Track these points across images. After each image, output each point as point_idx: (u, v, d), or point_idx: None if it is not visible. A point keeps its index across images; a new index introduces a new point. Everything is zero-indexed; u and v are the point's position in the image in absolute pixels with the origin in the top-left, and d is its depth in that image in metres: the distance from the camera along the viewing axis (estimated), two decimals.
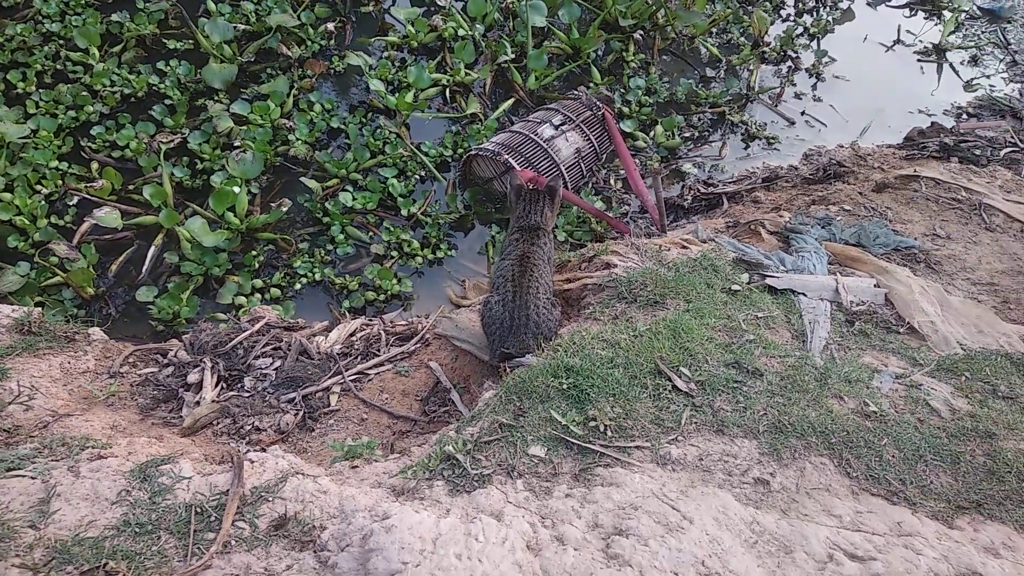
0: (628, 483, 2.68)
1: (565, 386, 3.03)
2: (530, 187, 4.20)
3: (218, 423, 3.58)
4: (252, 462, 2.95)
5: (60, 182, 5.53)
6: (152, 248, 5.35)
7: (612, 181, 6.38)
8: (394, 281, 5.39)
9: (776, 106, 7.14)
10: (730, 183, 6.38)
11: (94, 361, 4.00)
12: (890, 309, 3.94)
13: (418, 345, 4.10)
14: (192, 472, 2.84)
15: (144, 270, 5.27)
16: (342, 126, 6.19)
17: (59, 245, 5.02)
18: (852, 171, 6.29)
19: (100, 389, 3.78)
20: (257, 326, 4.02)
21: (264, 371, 3.80)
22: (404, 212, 5.80)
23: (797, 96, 7.31)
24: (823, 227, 4.94)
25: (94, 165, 5.67)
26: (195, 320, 5.10)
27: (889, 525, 2.57)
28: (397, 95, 6.29)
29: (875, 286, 4.08)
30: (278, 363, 3.85)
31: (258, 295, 5.26)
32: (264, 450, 3.47)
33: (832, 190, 5.47)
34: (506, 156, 5.78)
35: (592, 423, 2.92)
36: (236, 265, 5.38)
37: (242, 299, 5.19)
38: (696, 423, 2.97)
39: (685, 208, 6.20)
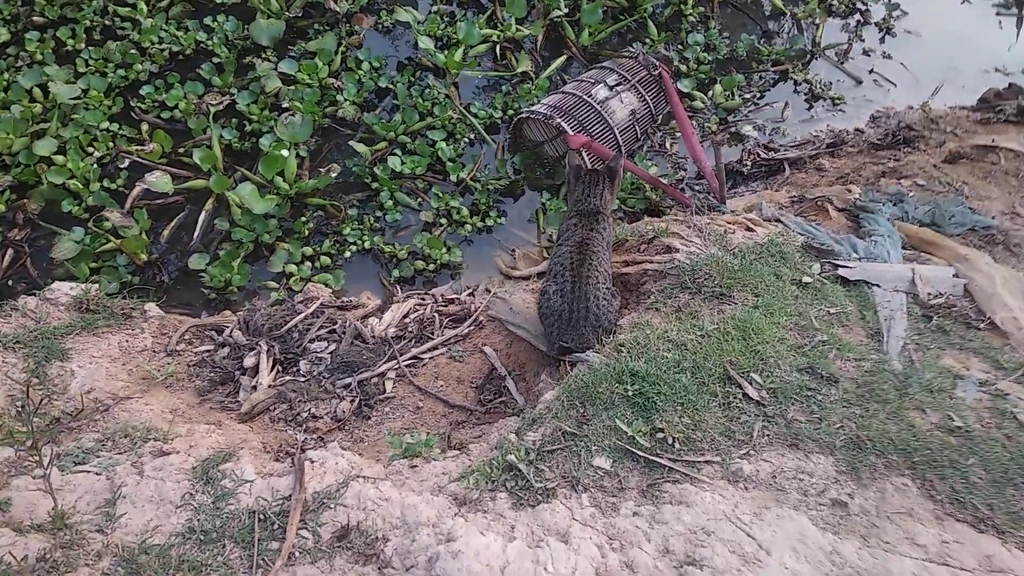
0: (698, 502, 2.56)
1: (630, 393, 2.90)
2: (589, 168, 3.97)
3: (275, 408, 3.53)
4: (312, 462, 2.89)
5: (111, 144, 5.43)
6: (203, 214, 5.26)
7: (668, 144, 6.11)
8: (444, 250, 5.26)
9: (842, 63, 6.74)
10: (792, 148, 6.06)
11: (151, 338, 3.96)
12: (970, 302, 3.71)
13: (471, 328, 3.98)
14: (254, 474, 2.78)
15: (195, 236, 5.19)
16: (390, 85, 5.97)
17: (113, 212, 4.95)
18: (922, 135, 5.94)
19: (159, 369, 3.74)
20: (311, 307, 3.93)
21: (319, 355, 3.72)
22: (453, 177, 5.61)
23: (865, 53, 6.88)
24: (895, 204, 4.67)
25: (144, 126, 5.56)
26: (247, 288, 5.05)
27: (978, 558, 2.42)
28: (446, 53, 6.03)
29: (953, 276, 3.84)
30: (333, 347, 3.77)
31: (308, 263, 5.16)
32: (324, 444, 3.41)
33: (904, 162, 5.16)
34: (558, 120, 5.54)
35: (659, 434, 2.79)
36: (286, 232, 5.28)
37: (292, 267, 5.10)
38: (768, 436, 2.83)
39: (744, 175, 5.92)
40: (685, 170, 5.95)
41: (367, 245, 5.27)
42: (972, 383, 3.13)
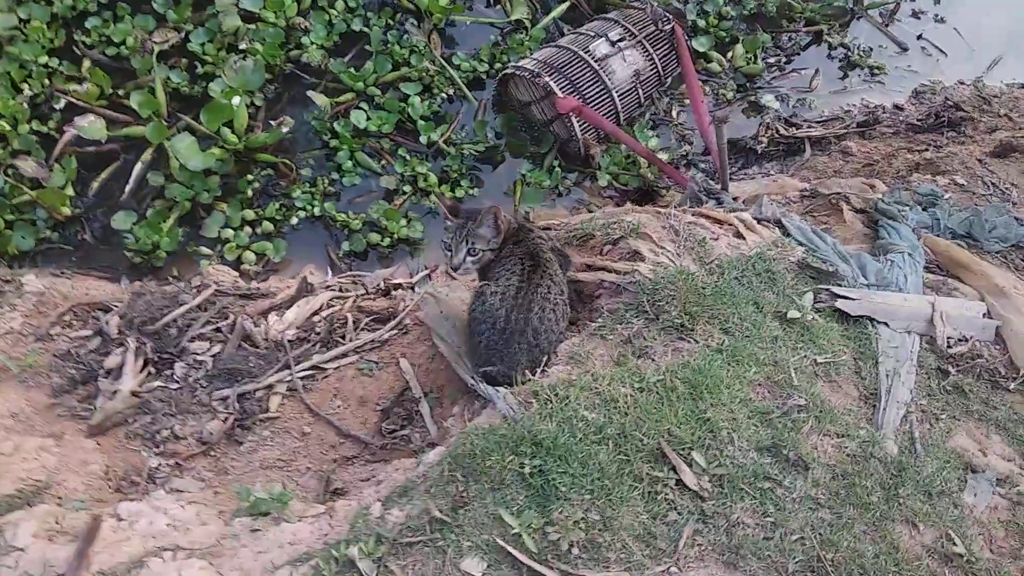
0: None
1: (528, 470, 2.12)
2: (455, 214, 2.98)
3: (134, 421, 2.84)
4: (120, 520, 2.21)
5: (47, 82, 4.70)
6: (138, 165, 4.54)
7: (675, 112, 5.17)
8: (403, 223, 4.48)
9: (887, 26, 5.63)
10: (817, 124, 5.08)
11: (22, 318, 3.28)
12: (1001, 351, 2.83)
13: (393, 332, 3.22)
14: (30, 538, 2.11)
15: (127, 190, 4.49)
16: (364, 29, 5.09)
17: (27, 161, 4.26)
18: (971, 117, 4.91)
19: (17, 358, 3.08)
20: (200, 297, 3.19)
21: (199, 357, 3.01)
22: (424, 138, 4.79)
23: (915, 15, 5.74)
24: (925, 207, 3.73)
25: (86, 63, 4.81)
26: (178, 254, 4.36)
27: None
28: None
29: (984, 315, 2.95)
30: (217, 348, 3.05)
31: (248, 228, 4.44)
32: (180, 472, 2.73)
33: (944, 153, 4.17)
34: (547, 79, 4.64)
35: (555, 533, 2.03)
36: (228, 191, 4.54)
37: (229, 232, 4.38)
38: (701, 546, 2.04)
39: (758, 153, 4.97)
40: (691, 144, 5.03)
41: (317, 212, 4.52)
42: (987, 481, 2.29)
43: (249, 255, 4.32)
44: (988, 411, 2.59)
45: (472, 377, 2.73)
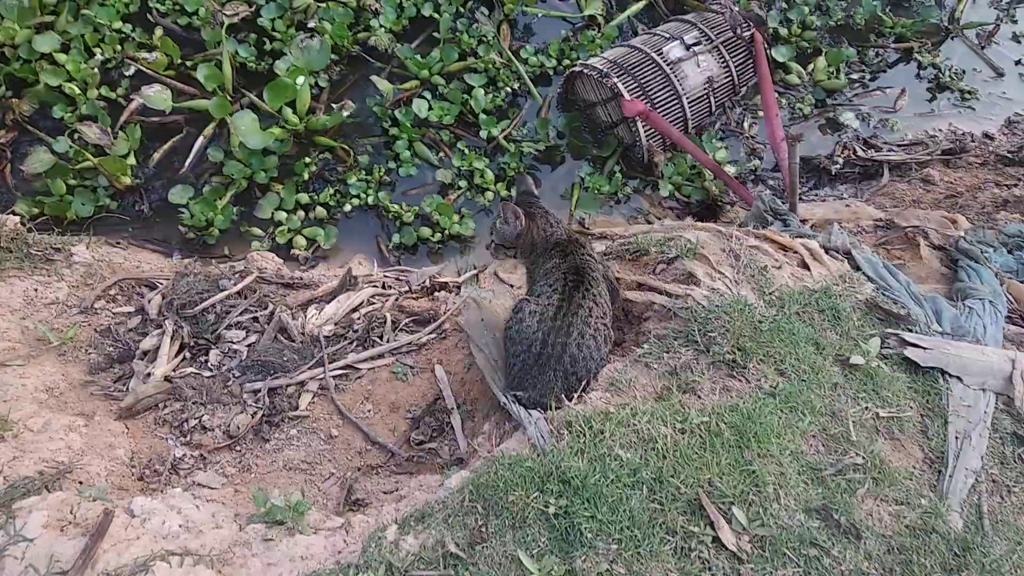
0: None
1: (552, 510, 1.96)
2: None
3: (165, 406, 2.77)
4: (133, 516, 2.13)
5: (119, 47, 4.68)
6: (200, 139, 4.49)
7: (747, 124, 4.90)
8: (455, 218, 4.35)
9: (984, 48, 5.24)
10: (898, 148, 4.74)
11: (68, 289, 3.25)
12: None
13: (432, 336, 3.09)
14: (40, 529, 2.04)
15: (187, 164, 4.45)
16: (434, 14, 4.94)
17: (91, 127, 4.23)
18: None
19: (59, 330, 3.05)
20: (242, 283, 3.11)
21: (235, 346, 2.93)
22: (484, 133, 4.63)
23: (1015, 38, 5.33)
24: (1011, 250, 3.42)
25: (158, 32, 4.77)
26: (231, 232, 4.30)
27: None
28: None
29: None
30: (253, 338, 2.96)
31: (301, 212, 4.36)
32: (204, 465, 2.65)
33: None
34: (615, 79, 4.43)
35: None
36: (285, 172, 4.47)
37: (282, 215, 4.31)
38: None
39: (832, 174, 4.67)
40: (760, 159, 4.76)
41: (371, 201, 4.41)
42: None
43: (300, 240, 4.24)
44: None
45: (505, 395, 2.57)
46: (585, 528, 1.93)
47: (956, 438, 2.36)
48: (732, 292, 2.76)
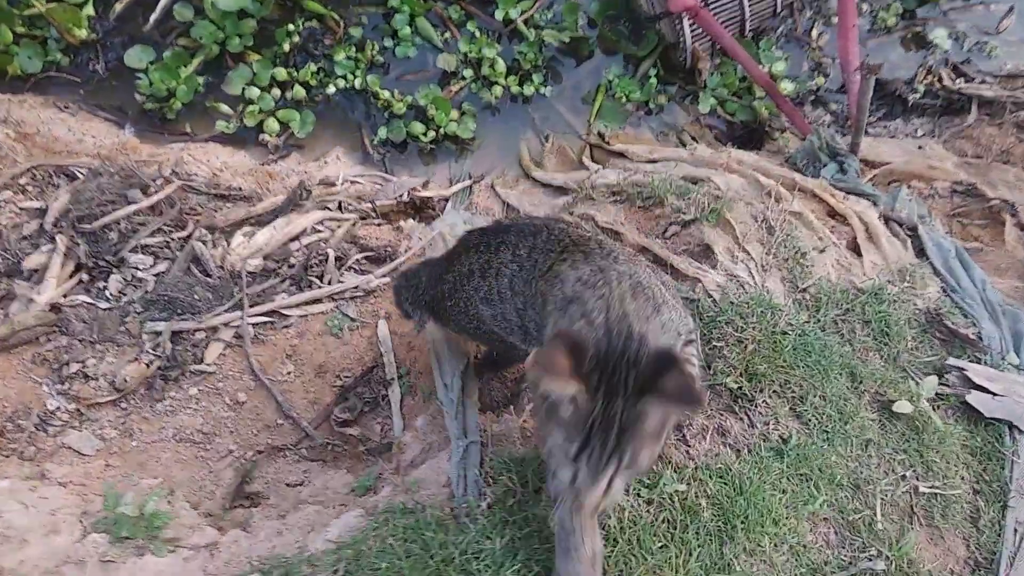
0: None
1: None
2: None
3: (47, 341, 2.21)
4: None
5: None
6: None
7: (815, 33, 3.91)
8: (453, 115, 3.57)
9: None
10: (994, 80, 3.75)
11: None
12: None
13: (385, 279, 2.43)
14: None
15: (151, 20, 3.67)
16: None
17: None
18: None
19: None
20: (159, 195, 2.44)
21: (140, 273, 2.31)
22: (500, 14, 3.74)
23: None
24: None
25: None
26: (194, 106, 3.58)
27: None
28: None
29: None
30: (163, 266, 2.34)
31: (276, 91, 3.61)
32: (79, 423, 2.10)
33: None
34: None
35: None
36: (263, 40, 3.67)
37: (254, 92, 3.57)
38: None
39: (908, 104, 3.73)
40: (827, 75, 3.82)
41: (358, 84, 3.63)
42: None
43: (272, 123, 3.52)
44: None
45: (445, 385, 1.95)
46: None
47: (1015, 531, 1.70)
48: (755, 283, 2.03)
